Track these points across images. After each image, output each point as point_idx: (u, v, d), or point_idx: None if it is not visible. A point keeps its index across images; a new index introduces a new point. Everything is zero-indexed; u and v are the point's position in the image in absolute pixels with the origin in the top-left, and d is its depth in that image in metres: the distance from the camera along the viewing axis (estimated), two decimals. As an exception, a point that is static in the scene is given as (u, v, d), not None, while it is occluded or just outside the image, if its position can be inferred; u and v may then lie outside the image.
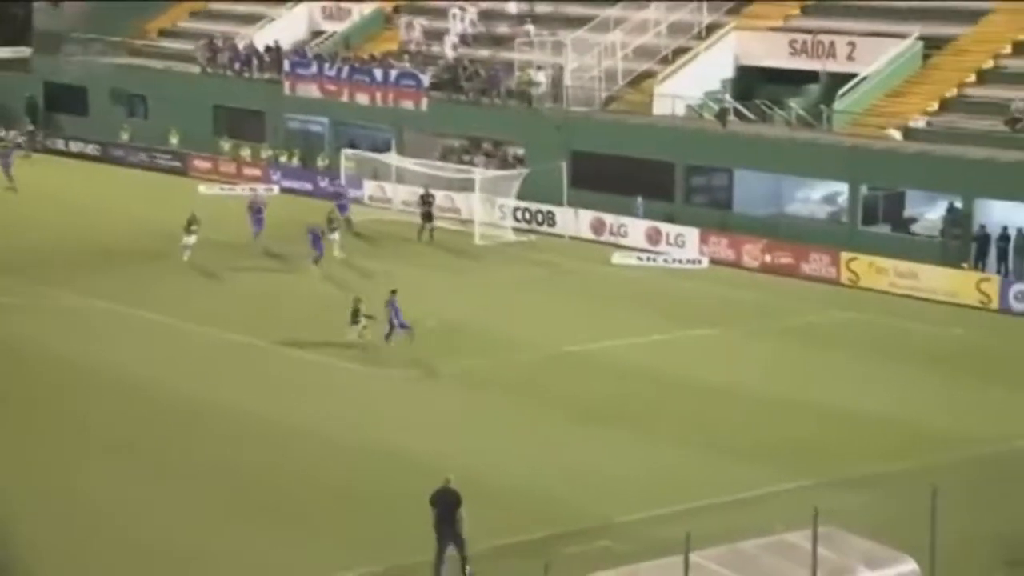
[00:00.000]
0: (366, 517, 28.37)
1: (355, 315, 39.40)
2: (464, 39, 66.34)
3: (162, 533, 27.36)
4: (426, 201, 55.00)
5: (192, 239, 49.02)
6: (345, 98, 65.18)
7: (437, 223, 54.69)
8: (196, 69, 71.82)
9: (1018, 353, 40.64)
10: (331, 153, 64.27)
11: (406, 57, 66.25)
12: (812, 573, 21.74)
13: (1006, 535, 25.00)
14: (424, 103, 62.55)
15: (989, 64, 53.74)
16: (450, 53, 64.79)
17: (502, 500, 29.00)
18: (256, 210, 52.05)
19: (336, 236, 50.33)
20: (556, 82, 59.80)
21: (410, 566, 25.59)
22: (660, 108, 57.53)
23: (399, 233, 55.61)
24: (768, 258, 50.58)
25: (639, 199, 54.33)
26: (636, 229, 54.01)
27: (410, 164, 59.07)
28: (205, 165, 67.94)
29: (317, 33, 72.83)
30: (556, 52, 60.86)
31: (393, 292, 40.06)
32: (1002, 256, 48.03)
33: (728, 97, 56.85)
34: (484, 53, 64.86)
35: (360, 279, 46.82)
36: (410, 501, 27.41)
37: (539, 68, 60.75)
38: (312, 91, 66.41)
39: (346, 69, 65.73)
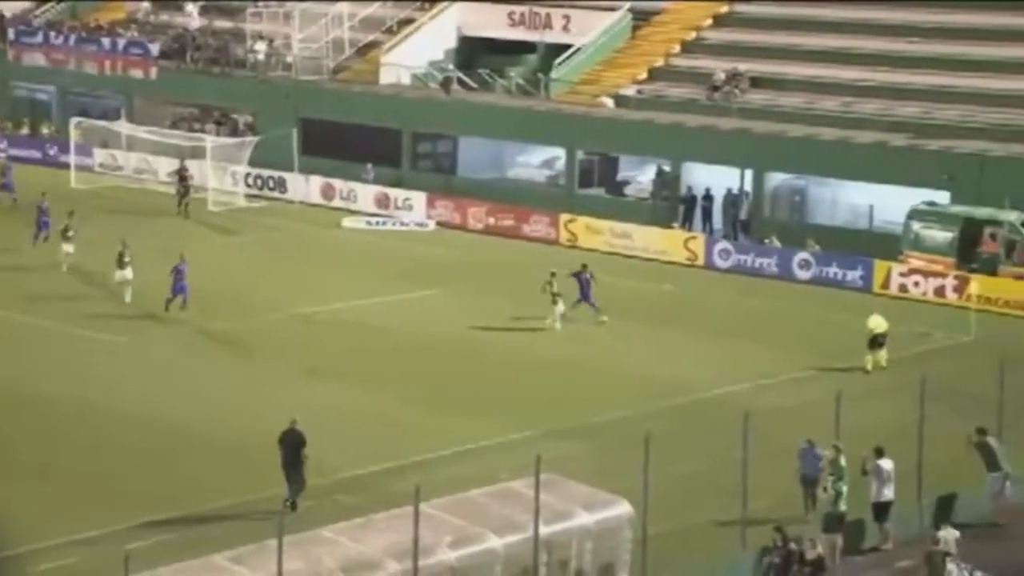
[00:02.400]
0: (123, 474, 28.07)
1: (552, 294, 38.54)
2: (197, 9, 65.13)
3: None
4: (183, 176, 53.51)
5: (71, 247, 43.40)
6: (73, 67, 63.31)
7: (169, 189, 53.80)
8: (-84, 37, 68.64)
9: (722, 306, 42.21)
10: (59, 122, 62.45)
11: (133, 26, 64.73)
12: (535, 518, 22.35)
13: (712, 476, 26.07)
14: (153, 72, 61.22)
15: (692, 36, 55.47)
16: (194, 24, 63.28)
17: (241, 458, 28.91)
18: (42, 211, 46.56)
19: (70, 248, 43.89)
20: (278, 52, 59.34)
21: (188, 515, 25.33)
22: (386, 77, 57.64)
23: (131, 199, 54.51)
24: (492, 220, 51.30)
25: (369, 165, 54.43)
26: (365, 194, 54.08)
27: (141, 132, 57.90)
28: (-74, 135, 65.14)
29: (43, 1, 70.35)
30: (286, 22, 60.29)
31: (584, 266, 39.78)
32: (707, 216, 49.84)
33: (451, 66, 57.31)
34: (218, 23, 63.75)
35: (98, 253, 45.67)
36: (164, 458, 27.12)
37: (261, 38, 60.26)
38: (38, 60, 64.24)
39: (73, 38, 63.82)
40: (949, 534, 23.80)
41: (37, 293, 41.40)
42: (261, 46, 59.81)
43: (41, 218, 46.52)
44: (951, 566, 23.16)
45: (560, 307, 38.64)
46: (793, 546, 23.16)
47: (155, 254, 44.44)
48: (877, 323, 36.25)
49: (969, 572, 23.07)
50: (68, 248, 43.69)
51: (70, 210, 45.44)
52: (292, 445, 26.66)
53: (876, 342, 36.06)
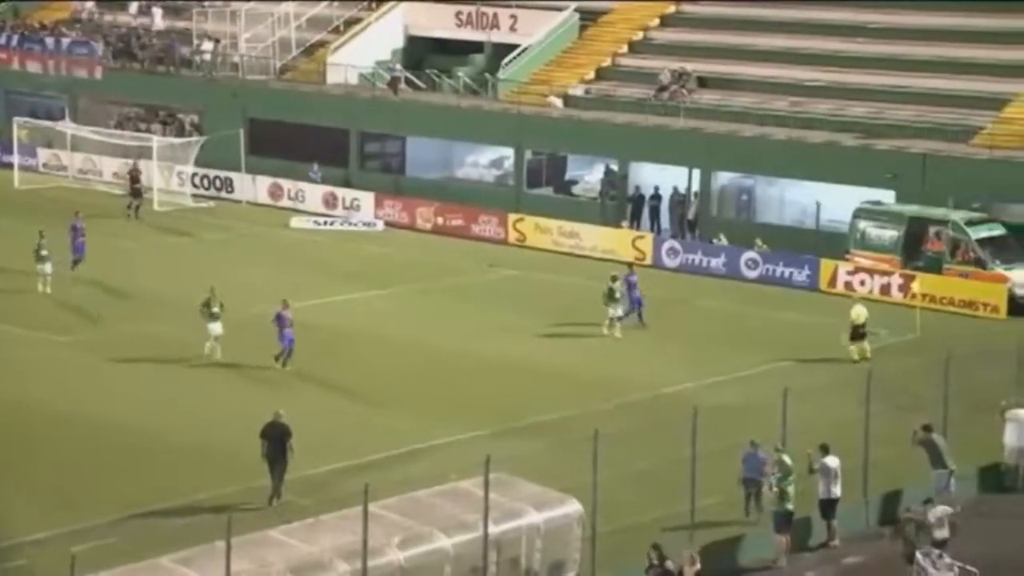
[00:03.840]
0: (70, 477, 27.85)
1: (611, 296, 37.84)
2: (142, 9, 64.84)
3: None
4: (135, 177, 52.82)
5: (48, 267, 39.82)
6: (16, 66, 62.81)
7: (113, 189, 53.41)
8: None
9: (669, 306, 42.22)
10: (2, 121, 61.92)
11: (78, 26, 64.32)
12: (484, 517, 22.35)
13: (662, 474, 26.15)
14: (98, 72, 60.80)
15: (639, 36, 55.65)
16: (158, 25, 62.86)
17: (190, 459, 28.77)
18: (78, 232, 43.18)
19: (48, 268, 41.29)
20: (224, 52, 59.11)
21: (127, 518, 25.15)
22: (333, 77, 57.49)
23: (77, 200, 54.11)
24: (440, 220, 51.26)
25: (316, 165, 54.28)
26: (313, 194, 53.91)
27: (85, 132, 57.53)
28: None
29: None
30: (232, 22, 60.05)
31: (630, 266, 39.04)
32: (654, 215, 50.00)
33: (399, 66, 57.23)
34: (162, 23, 63.49)
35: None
36: (112, 461, 27.04)
37: (207, 38, 60.03)
38: (-20, 59, 63.86)
39: (16, 37, 63.33)
40: (941, 510, 24.23)
41: None
42: (208, 46, 59.55)
43: (76, 240, 42.94)
44: (919, 555, 23.39)
45: (618, 311, 37.95)
46: (670, 564, 22.37)
47: (107, 254, 44.17)
48: (858, 313, 36.79)
49: (936, 558, 23.28)
50: (46, 268, 40.93)
51: (40, 228, 41.95)
52: (276, 437, 26.74)
53: (857, 332, 36.45)
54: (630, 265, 40.01)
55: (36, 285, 41.06)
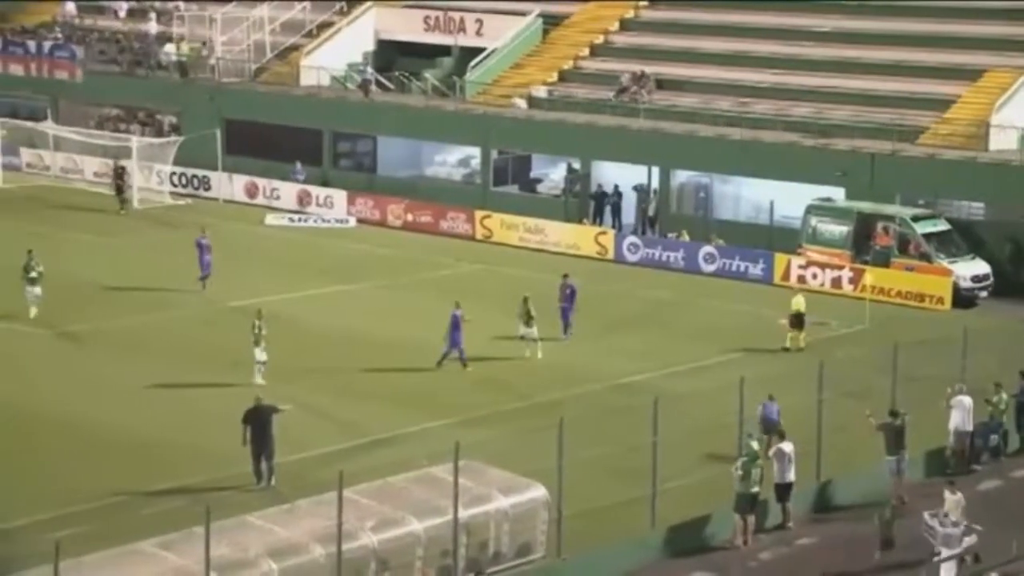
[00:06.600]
0: (44, 468, 27.51)
1: (527, 315, 35.40)
2: (130, 12, 64.51)
3: None
4: (119, 175, 52.65)
5: (38, 289, 35.38)
6: (-1, 69, 62.53)
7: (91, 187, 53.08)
8: None
9: (630, 299, 42.27)
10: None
11: (57, 29, 63.94)
12: (454, 502, 22.30)
13: (624, 458, 26.14)
14: (79, 74, 60.41)
15: (600, 40, 55.65)
16: (153, 30, 62.54)
17: (154, 451, 28.59)
18: (204, 248, 40.76)
19: (38, 290, 37.60)
20: (199, 55, 58.83)
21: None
22: (307, 79, 57.30)
23: (60, 199, 53.79)
24: (410, 217, 51.14)
25: (298, 164, 54.11)
26: (288, 192, 53.72)
27: (67, 132, 57.21)
28: None
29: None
30: (210, 26, 59.80)
31: (565, 276, 37.60)
32: (615, 212, 50.02)
33: (370, 69, 57.07)
34: (142, 27, 63.14)
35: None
36: (86, 452, 26.71)
37: (169, 40, 59.78)
38: (-36, 62, 63.35)
39: (-1, 41, 63.01)
40: (955, 497, 24.25)
41: None
42: (170, 47, 59.42)
43: (203, 256, 40.55)
44: (926, 515, 23.43)
45: (532, 331, 35.67)
46: None
47: (92, 250, 43.87)
48: (798, 302, 37.12)
49: (943, 517, 23.33)
50: (35, 290, 37.28)
51: (28, 248, 38.62)
52: (260, 420, 26.50)
53: (796, 321, 36.70)
54: (565, 276, 38.92)
55: (28, 311, 37.33)
